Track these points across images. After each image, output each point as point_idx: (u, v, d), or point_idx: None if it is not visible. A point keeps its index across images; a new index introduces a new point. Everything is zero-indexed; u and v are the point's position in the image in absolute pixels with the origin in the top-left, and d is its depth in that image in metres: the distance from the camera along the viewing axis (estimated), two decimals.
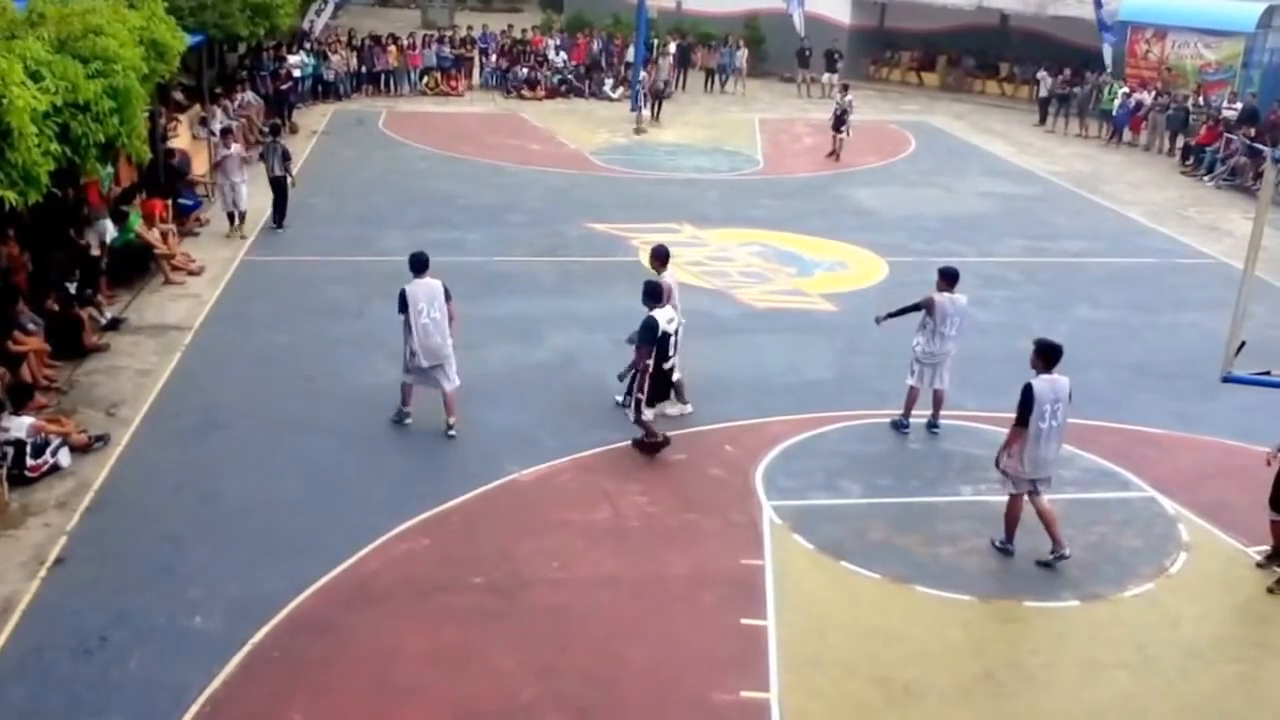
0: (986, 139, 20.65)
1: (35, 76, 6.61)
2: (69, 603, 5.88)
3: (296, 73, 19.72)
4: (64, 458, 7.25)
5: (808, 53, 24.37)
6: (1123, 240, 14.27)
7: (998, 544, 6.73)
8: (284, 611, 5.83)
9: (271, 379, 8.81)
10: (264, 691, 5.28)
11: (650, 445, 7.64)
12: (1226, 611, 6.46)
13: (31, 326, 8.61)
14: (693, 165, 17.39)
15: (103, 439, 7.60)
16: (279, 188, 12.76)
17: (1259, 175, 15.29)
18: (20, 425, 7.12)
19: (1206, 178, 17.85)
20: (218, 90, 16.63)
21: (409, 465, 7.52)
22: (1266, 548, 6.72)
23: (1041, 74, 21.95)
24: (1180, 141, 19.36)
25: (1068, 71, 21.80)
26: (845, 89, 18.83)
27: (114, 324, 9.74)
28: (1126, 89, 20.70)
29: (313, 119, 19.27)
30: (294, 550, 6.41)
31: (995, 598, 6.32)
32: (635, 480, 7.40)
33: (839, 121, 17.86)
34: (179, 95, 15.31)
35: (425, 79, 22.76)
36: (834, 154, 17.99)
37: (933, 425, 8.31)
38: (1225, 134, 18.10)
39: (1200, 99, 20.02)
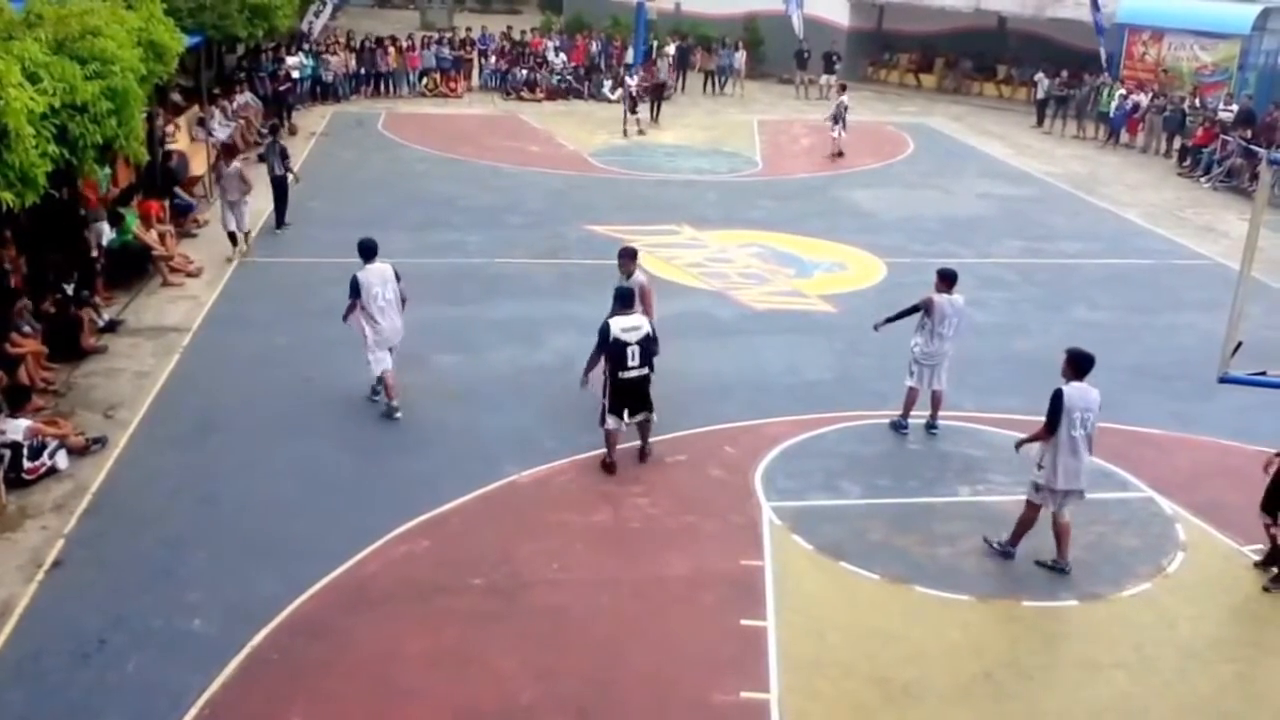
0: (984, 140, 20.68)
1: (33, 78, 6.60)
2: (66, 606, 5.87)
3: (295, 74, 19.73)
4: (61, 460, 7.24)
5: (806, 54, 24.41)
6: (1120, 241, 14.30)
7: (996, 545, 6.68)
8: (283, 614, 5.82)
9: (270, 381, 8.80)
10: (263, 695, 5.28)
11: (605, 462, 7.42)
12: (1223, 611, 6.47)
13: (29, 328, 8.60)
14: (692, 167, 17.41)
15: (100, 441, 7.58)
16: (279, 187, 12.76)
17: (1255, 176, 15.31)
18: (17, 427, 7.11)
19: (1203, 179, 17.89)
20: (216, 91, 16.62)
21: (408, 467, 7.51)
22: (1263, 546, 6.73)
23: (1039, 76, 22.00)
24: (1177, 143, 19.40)
25: (1065, 73, 21.86)
26: (843, 88, 18.92)
27: (112, 326, 9.72)
28: (1123, 91, 20.77)
29: (312, 120, 19.26)
30: (293, 552, 6.40)
31: (994, 598, 6.33)
32: (635, 482, 7.40)
33: (837, 119, 18.01)
34: (177, 96, 15.30)
35: (424, 80, 22.78)
36: (839, 153, 18.08)
37: (931, 426, 8.32)
38: (1221, 135, 18.15)
39: (1197, 101, 20.07)
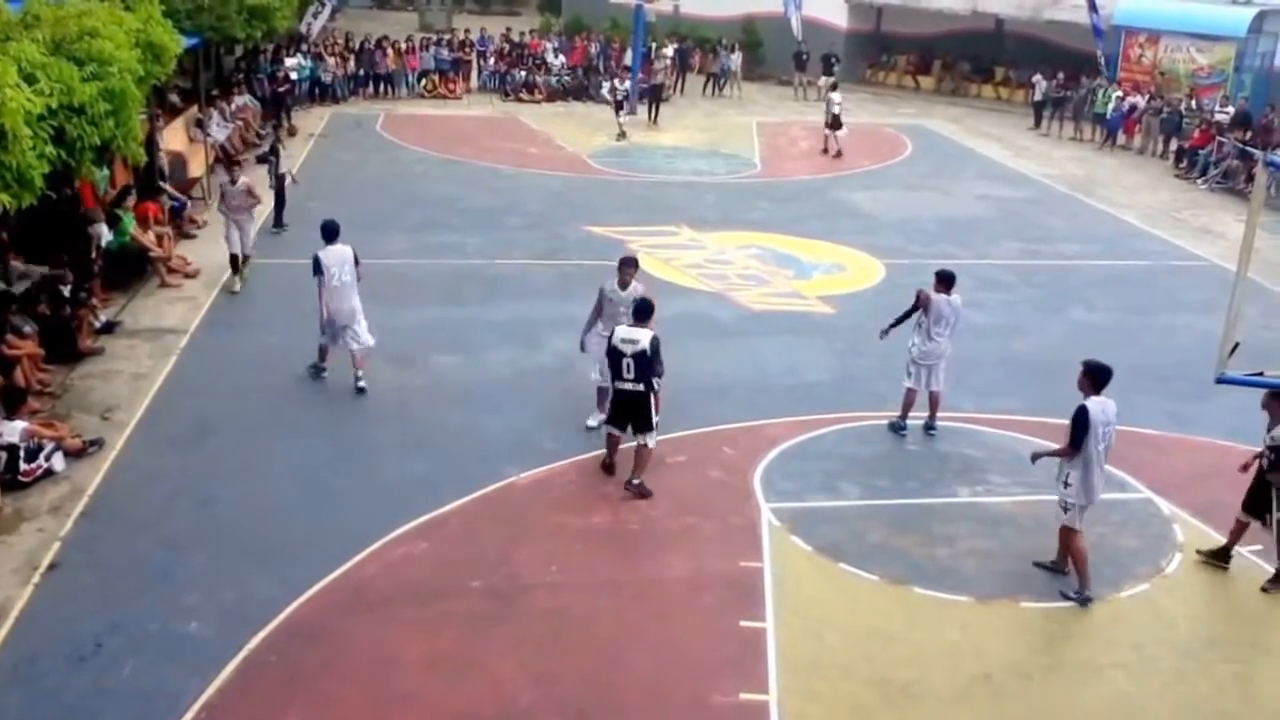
0: (982, 142, 20.71)
1: (30, 79, 6.59)
2: (62, 609, 5.84)
3: (293, 75, 19.72)
4: (58, 462, 7.22)
5: (805, 56, 24.43)
6: (1117, 243, 14.31)
7: (1073, 595, 6.29)
8: (280, 617, 5.80)
9: (268, 382, 8.78)
10: (260, 698, 5.26)
11: (604, 463, 7.41)
12: (1221, 611, 6.48)
13: (26, 330, 8.57)
14: (690, 168, 17.41)
15: (97, 443, 7.56)
16: (278, 188, 12.76)
17: (1251, 178, 15.31)
18: (13, 430, 7.08)
19: (1199, 180, 17.92)
20: (214, 93, 16.61)
21: (406, 469, 7.50)
22: (1260, 547, 6.75)
23: (1037, 78, 22.03)
24: (1174, 145, 19.44)
25: (1061, 76, 21.90)
26: (834, 87, 19.08)
27: (109, 327, 9.70)
28: (1120, 93, 20.80)
29: (310, 122, 19.24)
30: (290, 555, 6.39)
31: (993, 599, 6.32)
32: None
33: (836, 122, 18.10)
34: (175, 98, 15.28)
35: (423, 82, 22.77)
36: (838, 153, 18.15)
37: (930, 427, 8.32)
38: (1218, 137, 18.18)
39: (1193, 103, 20.11)
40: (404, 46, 22.98)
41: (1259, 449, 6.65)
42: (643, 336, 7.08)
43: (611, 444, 7.43)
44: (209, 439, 7.80)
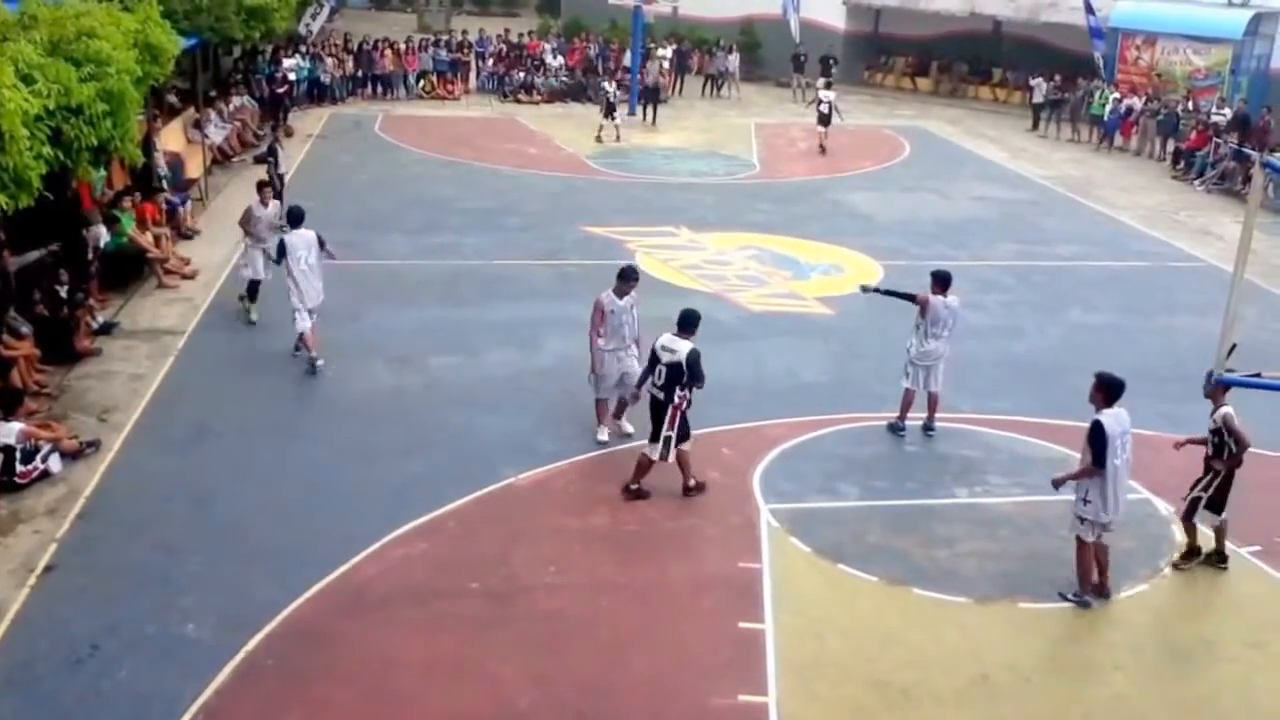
0: (980, 144, 20.73)
1: (27, 80, 6.58)
2: (59, 611, 5.82)
3: (292, 76, 19.70)
4: (54, 464, 7.20)
5: (803, 58, 24.46)
6: (1115, 244, 14.33)
7: (1071, 597, 6.26)
8: (278, 619, 5.78)
9: (265, 384, 8.77)
10: (258, 701, 5.24)
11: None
12: (1219, 612, 6.48)
13: (23, 330, 8.55)
14: (689, 169, 17.42)
15: (94, 445, 7.54)
16: (278, 188, 12.75)
17: (1248, 179, 15.34)
18: (10, 431, 7.06)
19: (1197, 182, 17.96)
20: (212, 94, 16.59)
21: (404, 470, 7.48)
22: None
23: (1035, 80, 22.07)
24: (1171, 146, 19.47)
25: (1058, 77, 21.93)
26: (828, 86, 19.19)
27: (106, 328, 9.68)
28: (1117, 94, 20.84)
29: (309, 123, 19.23)
30: (288, 557, 6.37)
31: (992, 600, 6.32)
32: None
33: (825, 119, 18.40)
34: (173, 98, 15.26)
35: (422, 83, 22.77)
36: (821, 148, 18.47)
37: (928, 428, 8.32)
38: (1215, 139, 18.22)
39: (1190, 104, 20.15)
40: (402, 47, 22.97)
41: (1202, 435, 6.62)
42: (681, 348, 6.92)
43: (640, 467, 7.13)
44: (206, 440, 7.78)
